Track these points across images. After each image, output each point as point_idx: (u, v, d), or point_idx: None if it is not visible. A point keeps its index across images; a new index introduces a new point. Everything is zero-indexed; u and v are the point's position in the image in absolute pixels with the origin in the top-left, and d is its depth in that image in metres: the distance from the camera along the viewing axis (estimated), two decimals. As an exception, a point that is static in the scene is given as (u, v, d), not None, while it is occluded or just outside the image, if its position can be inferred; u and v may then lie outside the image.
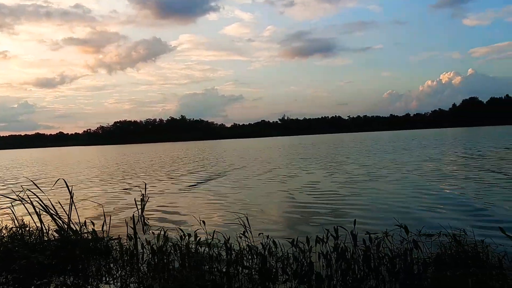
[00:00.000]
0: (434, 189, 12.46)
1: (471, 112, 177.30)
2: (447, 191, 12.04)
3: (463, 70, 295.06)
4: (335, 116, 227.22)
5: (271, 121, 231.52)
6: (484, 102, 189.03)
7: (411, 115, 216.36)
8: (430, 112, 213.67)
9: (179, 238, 6.13)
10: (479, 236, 6.19)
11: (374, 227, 7.46)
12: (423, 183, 13.88)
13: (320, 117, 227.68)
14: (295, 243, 5.56)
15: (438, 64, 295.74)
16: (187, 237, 6.09)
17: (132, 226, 6.47)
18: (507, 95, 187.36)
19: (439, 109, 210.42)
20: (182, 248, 5.88)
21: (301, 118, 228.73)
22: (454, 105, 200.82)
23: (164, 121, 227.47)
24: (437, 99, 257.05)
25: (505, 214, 8.36)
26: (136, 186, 17.31)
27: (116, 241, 6.78)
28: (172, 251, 5.95)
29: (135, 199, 10.75)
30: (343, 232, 5.72)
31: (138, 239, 6.47)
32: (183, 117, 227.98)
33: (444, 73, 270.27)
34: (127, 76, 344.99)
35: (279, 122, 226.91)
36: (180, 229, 6.60)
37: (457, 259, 5.04)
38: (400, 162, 22.20)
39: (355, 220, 5.97)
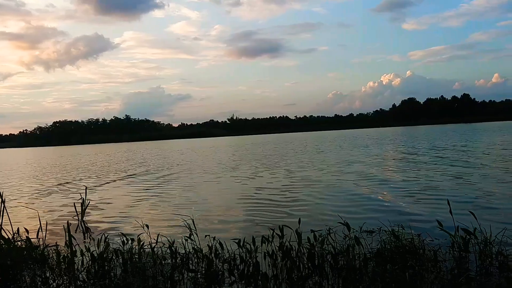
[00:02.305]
0: (373, 186, 12.97)
1: (409, 112, 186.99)
2: (386, 188, 12.58)
3: (402, 72, 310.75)
4: (283, 116, 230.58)
5: (219, 121, 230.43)
6: (421, 103, 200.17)
7: (355, 115, 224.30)
8: (372, 112, 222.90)
9: (121, 243, 5.91)
10: (416, 230, 6.52)
11: (318, 225, 7.63)
12: (363, 180, 14.41)
13: (268, 117, 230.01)
14: (241, 244, 5.54)
15: (379, 66, 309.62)
16: (129, 242, 5.88)
17: (70, 232, 6.13)
18: (442, 96, 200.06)
19: (381, 109, 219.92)
20: (124, 254, 5.66)
21: (250, 118, 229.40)
22: (394, 105, 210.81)
23: (108, 121, 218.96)
24: (378, 99, 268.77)
25: (440, 209, 8.84)
26: (76, 189, 16.52)
27: (53, 248, 6.40)
28: (113, 257, 5.71)
29: (74, 203, 10.27)
30: (289, 231, 5.77)
31: (77, 246, 6.16)
32: (127, 117, 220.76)
33: (384, 74, 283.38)
34: (67, 74, 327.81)
35: (227, 121, 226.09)
36: (122, 233, 6.36)
37: (396, 253, 5.27)
38: (340, 161, 22.93)
39: (299, 218, 6.06)
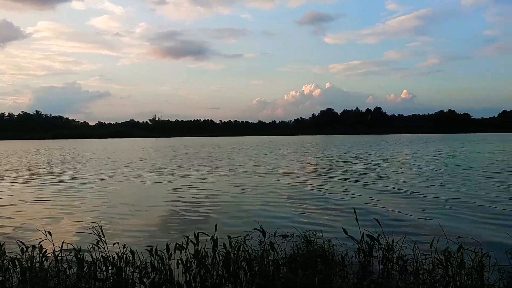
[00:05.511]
0: (287, 192, 13.38)
1: (327, 122, 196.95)
2: (299, 194, 13.03)
3: (322, 83, 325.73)
4: (208, 119, 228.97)
5: (140, 121, 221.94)
6: (338, 113, 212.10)
7: (277, 122, 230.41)
8: (293, 120, 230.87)
9: (19, 251, 5.40)
10: (327, 236, 6.81)
11: (236, 230, 7.66)
12: (277, 186, 14.81)
13: (192, 119, 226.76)
14: (153, 251, 5.35)
15: (301, 76, 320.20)
16: (30, 250, 5.40)
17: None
18: (357, 108, 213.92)
19: (301, 117, 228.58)
20: (23, 263, 5.18)
21: (173, 120, 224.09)
22: (313, 114, 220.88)
23: (15, 116, 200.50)
24: (299, 108, 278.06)
25: (348, 217, 9.35)
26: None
27: None
28: (10, 266, 5.20)
29: (-32, 206, 9.22)
30: (205, 237, 5.70)
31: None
32: (38, 113, 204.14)
33: (306, 85, 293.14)
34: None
35: (149, 122, 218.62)
36: (21, 241, 5.82)
37: (308, 258, 5.44)
38: (254, 167, 23.38)
39: (216, 225, 6.01)
